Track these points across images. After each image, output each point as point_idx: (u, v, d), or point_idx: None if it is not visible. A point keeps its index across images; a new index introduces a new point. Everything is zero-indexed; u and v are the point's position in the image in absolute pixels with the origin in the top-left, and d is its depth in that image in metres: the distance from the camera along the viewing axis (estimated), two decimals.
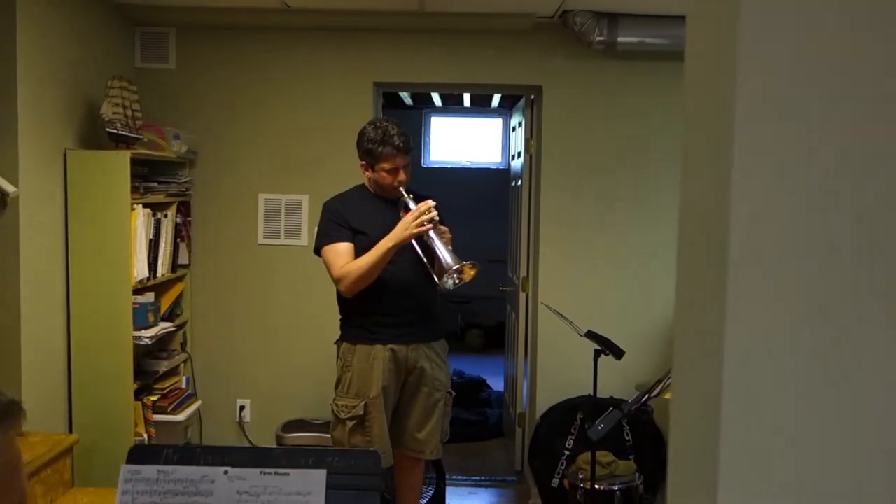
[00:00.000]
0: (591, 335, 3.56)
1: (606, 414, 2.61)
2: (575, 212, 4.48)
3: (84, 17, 3.91)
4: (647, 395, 2.67)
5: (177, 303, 4.38)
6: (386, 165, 3.17)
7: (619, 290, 4.49)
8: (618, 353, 3.50)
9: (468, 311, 8.51)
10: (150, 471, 1.76)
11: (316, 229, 3.30)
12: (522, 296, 4.77)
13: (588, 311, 4.34)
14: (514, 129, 5.46)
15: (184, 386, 4.42)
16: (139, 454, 1.79)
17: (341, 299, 3.25)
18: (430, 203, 3.08)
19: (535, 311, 4.59)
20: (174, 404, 4.10)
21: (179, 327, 4.40)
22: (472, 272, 3.03)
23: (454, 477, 4.77)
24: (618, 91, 4.45)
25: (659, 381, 2.83)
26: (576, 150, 4.47)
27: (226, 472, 1.76)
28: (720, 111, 0.76)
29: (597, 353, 3.54)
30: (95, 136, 3.90)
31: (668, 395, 3.00)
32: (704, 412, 0.79)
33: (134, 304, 3.78)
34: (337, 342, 3.31)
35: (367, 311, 3.19)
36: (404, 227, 3.05)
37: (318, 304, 4.33)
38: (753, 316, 0.74)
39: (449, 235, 3.12)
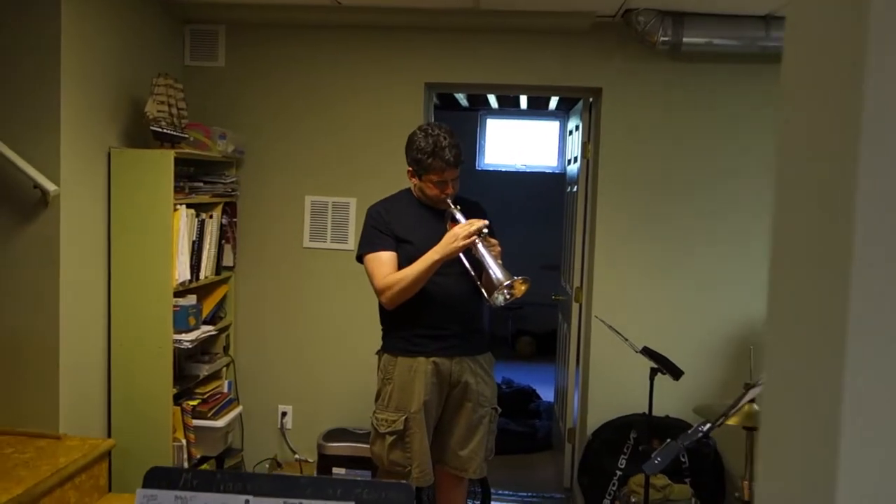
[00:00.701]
0: (647, 352, 3.48)
1: (664, 446, 2.46)
2: (632, 221, 4.38)
3: (132, 14, 3.89)
4: (709, 427, 2.50)
5: (220, 306, 4.36)
6: (434, 178, 3.08)
7: (677, 306, 4.37)
8: (676, 374, 3.37)
9: (519, 318, 8.45)
10: (167, 496, 1.67)
11: (360, 235, 3.23)
12: (575, 306, 4.68)
13: (644, 326, 4.28)
14: (570, 132, 5.38)
15: (225, 390, 4.38)
16: (156, 477, 1.71)
17: (383, 310, 3.18)
18: (484, 222, 2.98)
19: (588, 323, 4.50)
20: (215, 409, 4.06)
21: (222, 330, 4.37)
22: (524, 287, 2.93)
23: (499, 492, 4.65)
24: (682, 95, 4.32)
25: (723, 413, 2.66)
26: (635, 155, 4.35)
27: (247, 502, 1.67)
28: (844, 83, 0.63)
29: (653, 372, 3.46)
30: (140, 134, 3.88)
31: (732, 422, 2.84)
32: (814, 447, 0.65)
33: (175, 306, 3.75)
34: (378, 353, 3.24)
35: (409, 322, 3.11)
36: (451, 241, 2.96)
37: (363, 309, 4.27)
38: (884, 320, 0.60)
39: (499, 248, 3.02)
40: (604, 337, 4.13)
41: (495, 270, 2.92)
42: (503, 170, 8.48)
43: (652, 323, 4.32)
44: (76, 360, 3.52)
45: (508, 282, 2.89)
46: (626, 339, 3.48)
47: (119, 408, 3.74)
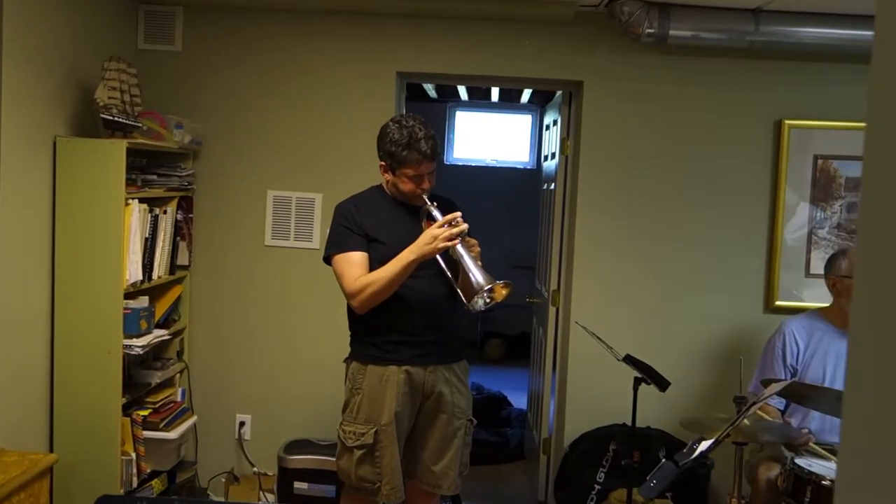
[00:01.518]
0: (630, 360, 3.41)
1: (659, 467, 2.32)
2: (615, 221, 4.31)
3: None
4: (709, 447, 2.36)
5: (174, 308, 4.24)
6: (409, 172, 3.01)
7: (662, 312, 4.32)
8: (662, 385, 3.30)
9: (488, 320, 8.43)
10: None
11: (327, 234, 3.13)
12: (552, 310, 4.62)
13: (626, 333, 4.21)
14: (547, 127, 5.35)
15: (179, 399, 4.22)
16: None
17: (352, 314, 3.08)
18: (458, 214, 2.92)
19: (566, 328, 4.43)
20: (167, 420, 3.88)
21: (176, 334, 4.24)
22: (505, 292, 2.88)
23: None
24: (668, 89, 4.24)
25: (724, 431, 2.52)
26: (618, 152, 4.29)
27: None
28: None
29: (637, 381, 3.38)
30: (89, 122, 3.71)
31: (731, 440, 2.73)
32: None
33: (125, 308, 3.63)
34: (346, 361, 3.15)
35: (380, 328, 3.03)
36: (429, 240, 2.88)
37: (329, 313, 4.19)
38: None
39: (478, 249, 2.96)
40: (583, 343, 4.05)
41: (475, 273, 2.84)
42: (473, 164, 8.50)
43: (635, 329, 4.26)
44: (15, 368, 3.33)
45: (489, 286, 2.82)
46: (610, 347, 3.40)
47: (62, 419, 3.56)
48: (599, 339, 3.51)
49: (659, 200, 4.28)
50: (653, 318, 4.30)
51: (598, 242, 4.32)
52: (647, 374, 3.32)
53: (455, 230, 2.84)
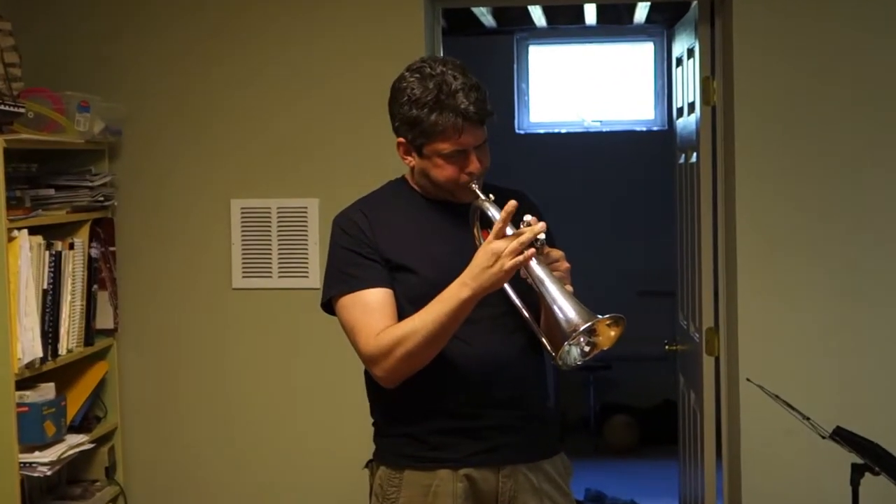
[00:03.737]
0: (842, 437, 3.38)
1: None
2: (803, 210, 4.38)
3: None
4: None
5: (95, 398, 4.30)
6: (444, 147, 2.96)
7: (889, 356, 4.33)
8: None
9: (606, 384, 8.50)
10: None
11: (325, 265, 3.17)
12: (708, 362, 4.66)
13: (832, 391, 4.27)
14: (678, 61, 5.41)
15: None
16: None
17: (375, 389, 3.08)
18: (513, 204, 2.85)
19: (732, 390, 4.48)
20: None
21: (102, 441, 4.31)
22: (613, 333, 2.82)
23: None
24: None
25: None
26: (801, 94, 4.34)
27: None
28: None
29: (856, 470, 3.39)
30: None
31: None
32: None
33: (19, 405, 3.70)
34: (368, 465, 3.17)
35: (421, 409, 3.03)
36: (489, 260, 2.82)
37: (339, 389, 4.21)
38: None
39: (566, 266, 2.92)
40: (763, 412, 4.06)
41: (564, 306, 2.79)
42: (560, 132, 8.60)
43: (845, 386, 4.30)
44: None
45: (588, 324, 2.76)
46: (807, 418, 3.42)
47: None
48: (788, 405, 3.51)
49: (880, 172, 4.33)
50: (874, 367, 4.32)
51: (775, 248, 4.36)
52: (873, 458, 3.31)
53: (526, 235, 2.79)
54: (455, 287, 2.83)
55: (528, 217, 2.84)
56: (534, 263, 2.79)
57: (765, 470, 4.32)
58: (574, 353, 2.81)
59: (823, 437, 3.35)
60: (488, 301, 2.90)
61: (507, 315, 2.99)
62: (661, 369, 6.80)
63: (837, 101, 4.30)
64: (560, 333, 2.78)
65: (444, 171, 2.97)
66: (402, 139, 3.00)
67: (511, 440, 3.01)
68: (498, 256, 2.78)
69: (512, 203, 2.83)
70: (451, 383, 2.97)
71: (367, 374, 3.04)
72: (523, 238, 2.77)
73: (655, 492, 6.64)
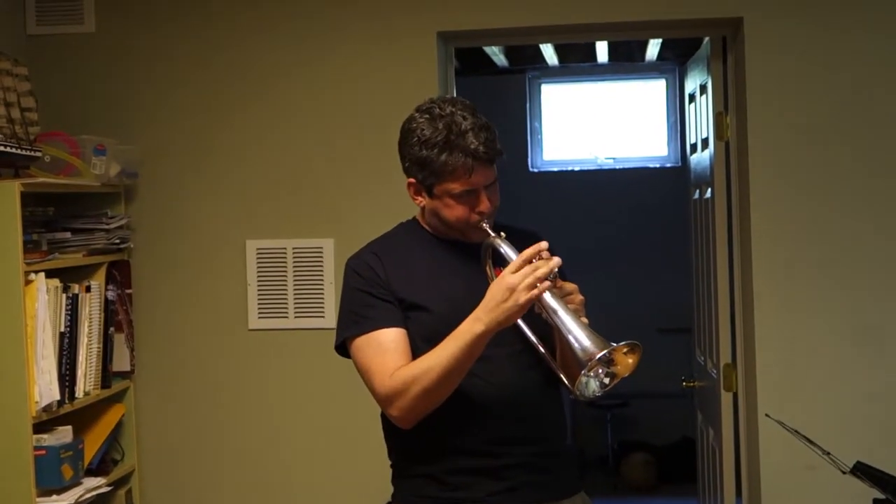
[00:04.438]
0: (862, 471, 3.37)
1: None
2: (818, 244, 4.38)
3: None
4: None
5: (112, 441, 4.30)
6: (455, 187, 2.97)
7: None
8: None
9: (624, 421, 8.47)
10: None
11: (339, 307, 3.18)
12: (726, 398, 4.65)
13: (853, 426, 4.25)
14: (691, 97, 5.40)
15: None
16: None
17: (392, 430, 3.08)
18: (543, 245, 2.86)
19: (751, 426, 4.47)
20: None
21: (119, 484, 4.30)
22: (631, 361, 2.81)
23: None
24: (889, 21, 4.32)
25: None
26: (814, 130, 4.34)
27: None
28: None
29: None
30: None
31: None
32: None
33: (37, 449, 3.70)
34: None
35: (439, 449, 3.02)
36: (504, 295, 2.82)
37: (357, 430, 4.21)
38: None
39: (580, 298, 2.93)
40: (782, 447, 4.07)
41: (579, 335, 2.78)
42: (574, 170, 8.59)
43: (868, 420, 4.28)
44: None
45: (603, 352, 2.75)
46: (826, 453, 3.39)
47: None
48: (808, 440, 3.49)
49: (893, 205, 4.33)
50: (894, 402, 4.30)
51: (792, 281, 4.36)
52: (895, 493, 3.30)
53: (542, 269, 2.79)
54: (469, 322, 2.83)
55: (544, 248, 2.84)
56: (548, 296, 2.79)
57: None
58: (592, 385, 2.80)
59: (844, 473, 3.33)
60: (504, 339, 2.91)
61: (524, 352, 2.98)
62: (679, 406, 6.75)
63: (852, 135, 4.30)
64: (576, 364, 2.77)
65: (454, 211, 2.98)
66: (412, 179, 3.02)
67: (532, 479, 3.00)
68: (513, 290, 2.78)
69: (543, 244, 2.84)
70: (470, 422, 2.97)
71: (383, 415, 3.03)
72: (539, 272, 2.77)
73: None
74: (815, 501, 4.22)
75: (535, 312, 2.87)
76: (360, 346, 2.99)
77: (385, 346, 2.96)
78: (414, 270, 3.05)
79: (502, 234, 2.97)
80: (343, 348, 3.06)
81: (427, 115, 2.96)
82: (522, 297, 2.77)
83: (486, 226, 2.97)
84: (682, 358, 5.46)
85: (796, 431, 3.53)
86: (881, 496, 3.32)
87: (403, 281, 3.01)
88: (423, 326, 2.96)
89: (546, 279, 2.79)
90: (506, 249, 2.91)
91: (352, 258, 3.13)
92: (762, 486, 4.33)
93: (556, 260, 2.81)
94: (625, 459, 8.36)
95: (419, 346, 2.95)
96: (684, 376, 5.33)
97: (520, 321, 2.90)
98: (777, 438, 3.99)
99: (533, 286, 2.77)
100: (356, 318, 3.02)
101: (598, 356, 2.72)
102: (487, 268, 2.97)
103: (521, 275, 2.79)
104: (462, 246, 3.05)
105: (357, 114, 4.41)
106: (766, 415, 4.04)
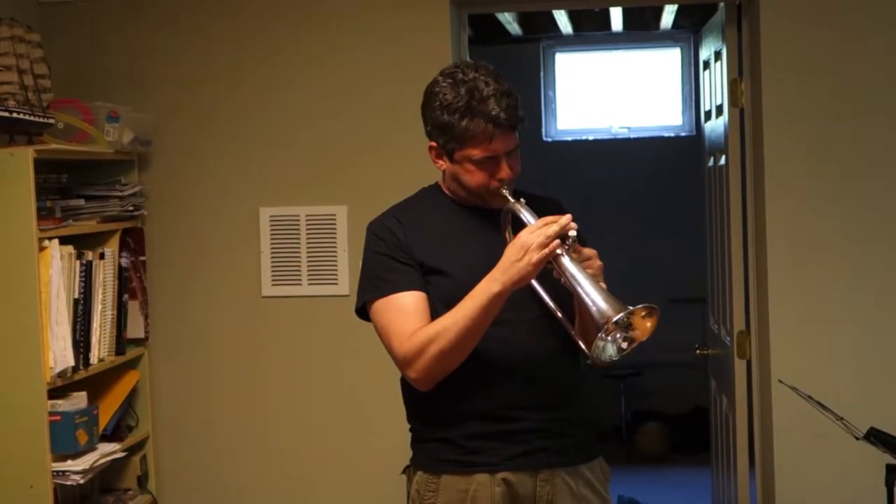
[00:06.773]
0: (877, 438, 3.37)
1: None
2: (833, 211, 4.38)
3: None
4: None
5: (126, 407, 4.34)
6: (476, 153, 2.99)
7: None
8: None
9: (636, 391, 8.48)
10: None
11: (360, 271, 3.16)
12: (740, 366, 4.67)
13: (866, 391, 4.27)
14: (705, 64, 5.42)
15: None
16: None
17: (410, 393, 3.10)
18: (566, 218, 2.87)
19: (765, 393, 4.50)
20: None
21: (134, 450, 4.34)
22: (649, 324, 2.82)
23: None
24: None
25: None
26: (830, 95, 4.34)
27: None
28: None
29: (891, 470, 3.38)
30: None
31: None
32: None
33: (52, 414, 3.72)
34: (406, 470, 3.20)
35: (456, 412, 3.03)
36: (518, 255, 2.85)
37: (373, 396, 4.29)
38: None
39: (599, 263, 2.95)
40: (795, 414, 4.10)
41: (596, 299, 2.80)
42: (588, 139, 8.56)
43: (879, 387, 4.30)
44: None
45: (620, 315, 2.77)
46: (840, 418, 3.40)
47: None
48: (822, 405, 3.50)
49: None
50: None
51: (805, 248, 4.37)
52: None
53: (552, 227, 2.81)
54: (485, 282, 2.86)
55: (565, 218, 2.87)
56: (566, 260, 2.82)
57: (798, 471, 4.34)
58: (609, 349, 2.81)
59: (857, 438, 3.35)
60: (523, 304, 2.95)
61: (543, 318, 3.00)
62: (692, 376, 6.78)
63: (867, 101, 4.31)
64: (594, 326, 2.79)
65: (474, 177, 3.00)
66: (433, 143, 3.04)
67: (548, 444, 3.01)
68: (526, 250, 2.81)
69: (566, 216, 2.86)
70: (487, 386, 2.98)
71: (402, 379, 3.05)
72: (550, 231, 2.80)
73: (689, 499, 6.63)
74: (827, 468, 4.24)
75: (554, 278, 2.89)
76: (381, 308, 3.01)
77: (405, 308, 2.98)
78: (435, 236, 3.06)
79: (522, 199, 2.99)
80: (363, 311, 3.07)
81: (450, 80, 2.98)
82: (535, 256, 2.80)
83: (506, 192, 2.99)
84: (694, 328, 5.48)
85: (810, 397, 3.56)
86: (894, 462, 3.32)
87: (424, 246, 3.03)
88: (443, 291, 2.98)
89: (560, 239, 2.82)
90: (525, 215, 2.93)
91: (373, 222, 3.14)
92: (775, 451, 4.35)
93: (567, 217, 2.84)
94: (638, 429, 8.36)
95: (439, 310, 2.96)
96: (698, 345, 5.35)
97: (538, 287, 2.93)
98: (790, 405, 4.02)
99: (545, 245, 2.79)
100: (377, 281, 3.03)
101: (616, 319, 2.74)
102: (507, 233, 2.99)
103: (535, 234, 2.83)
104: (483, 212, 3.07)
105: (370, 81, 4.43)
106: (780, 381, 4.05)
